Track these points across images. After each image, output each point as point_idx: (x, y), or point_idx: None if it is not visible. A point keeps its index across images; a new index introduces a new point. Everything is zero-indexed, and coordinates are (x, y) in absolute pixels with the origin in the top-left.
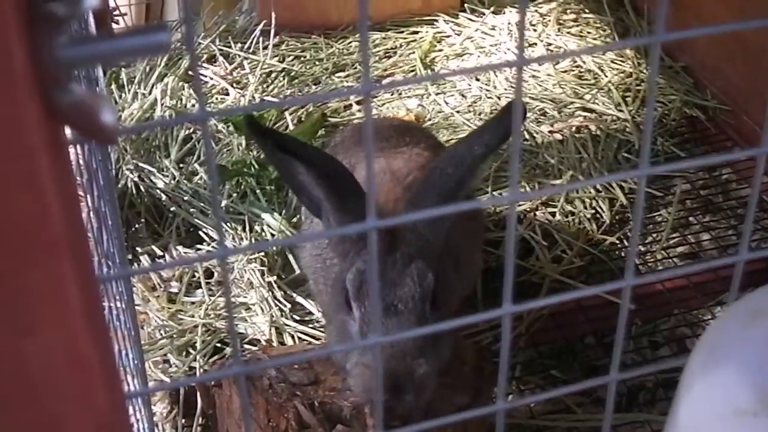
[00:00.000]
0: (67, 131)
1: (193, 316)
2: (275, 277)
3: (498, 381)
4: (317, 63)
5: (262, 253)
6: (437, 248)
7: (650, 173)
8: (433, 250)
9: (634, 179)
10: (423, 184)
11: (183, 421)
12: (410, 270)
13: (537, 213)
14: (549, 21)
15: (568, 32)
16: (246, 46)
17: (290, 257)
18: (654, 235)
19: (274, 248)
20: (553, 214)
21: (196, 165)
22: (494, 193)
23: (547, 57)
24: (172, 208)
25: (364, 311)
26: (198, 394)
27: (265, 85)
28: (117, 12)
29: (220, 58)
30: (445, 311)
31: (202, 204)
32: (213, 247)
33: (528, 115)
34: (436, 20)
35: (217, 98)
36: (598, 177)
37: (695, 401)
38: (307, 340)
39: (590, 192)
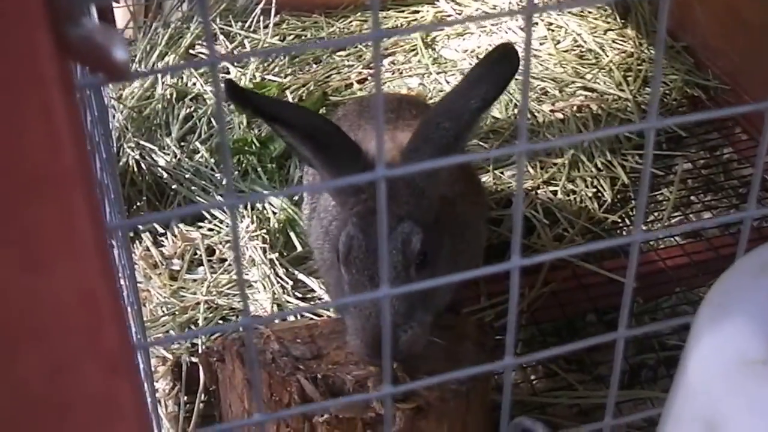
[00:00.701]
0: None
1: (195, 294)
2: (277, 255)
3: (507, 337)
4: (318, 42)
5: (264, 231)
6: (433, 204)
7: (659, 125)
8: (429, 206)
9: (636, 159)
10: (418, 138)
11: (185, 398)
12: (395, 234)
13: (538, 192)
14: (550, 1)
15: (569, 12)
16: (246, 25)
17: (292, 235)
18: (656, 213)
19: (276, 226)
20: (554, 193)
21: (197, 143)
22: (497, 172)
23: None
24: (173, 186)
25: (352, 277)
26: (200, 369)
27: (265, 64)
28: None
29: (221, 37)
30: (439, 268)
31: (203, 182)
32: (215, 224)
33: (529, 94)
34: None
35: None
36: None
37: (704, 352)
38: (308, 317)
39: (592, 171)
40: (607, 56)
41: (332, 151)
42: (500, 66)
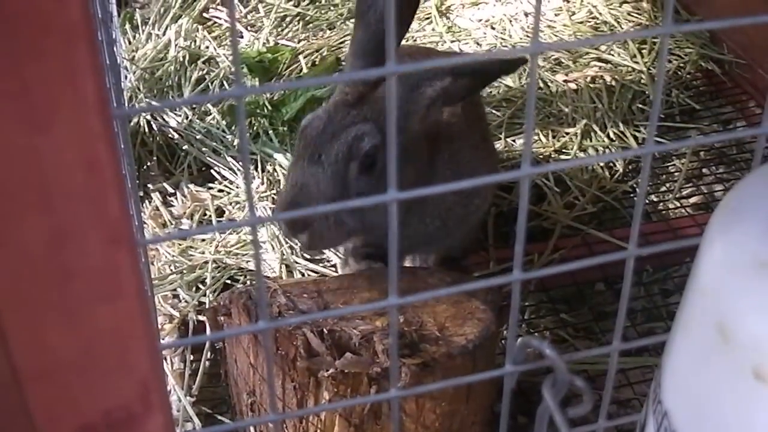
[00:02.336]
0: None
1: (203, 253)
2: None
3: (515, 249)
4: (332, 8)
5: (274, 192)
6: (413, 124)
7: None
8: (404, 121)
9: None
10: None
11: (191, 356)
12: (352, 129)
13: (550, 160)
14: None
15: None
16: None
17: None
18: (668, 185)
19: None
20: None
21: (209, 105)
22: (508, 139)
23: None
24: (184, 147)
25: (297, 153)
26: (207, 325)
27: (279, 29)
28: None
29: (235, 1)
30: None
31: (214, 143)
32: (225, 185)
33: (543, 64)
34: None
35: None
36: (612, 125)
37: (716, 255)
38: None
39: (604, 141)
40: (622, 28)
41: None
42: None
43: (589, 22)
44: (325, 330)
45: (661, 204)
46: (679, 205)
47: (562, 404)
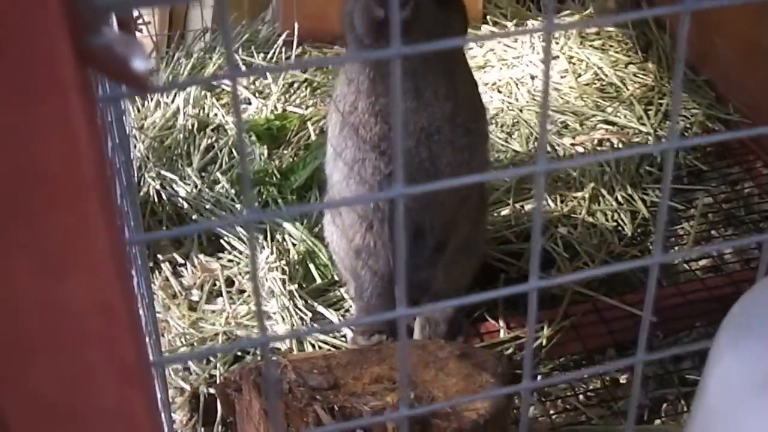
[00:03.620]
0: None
1: (213, 324)
2: (296, 287)
3: (524, 359)
4: (338, 59)
5: (284, 262)
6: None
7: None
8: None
9: (656, 193)
10: None
11: (203, 429)
12: None
13: (558, 225)
14: (571, 34)
15: (590, 45)
16: (269, 56)
17: (311, 267)
18: (676, 247)
19: (296, 257)
20: (575, 227)
21: (218, 173)
22: (516, 205)
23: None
24: (193, 216)
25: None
26: (218, 400)
27: (287, 95)
28: (140, 20)
29: (243, 68)
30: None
31: (223, 212)
32: (235, 255)
33: (550, 127)
34: None
35: (240, 107)
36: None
37: (725, 372)
38: (328, 349)
39: (612, 204)
40: (628, 89)
41: None
42: None
43: (595, 83)
44: (336, 407)
45: (670, 267)
46: (688, 268)
47: None
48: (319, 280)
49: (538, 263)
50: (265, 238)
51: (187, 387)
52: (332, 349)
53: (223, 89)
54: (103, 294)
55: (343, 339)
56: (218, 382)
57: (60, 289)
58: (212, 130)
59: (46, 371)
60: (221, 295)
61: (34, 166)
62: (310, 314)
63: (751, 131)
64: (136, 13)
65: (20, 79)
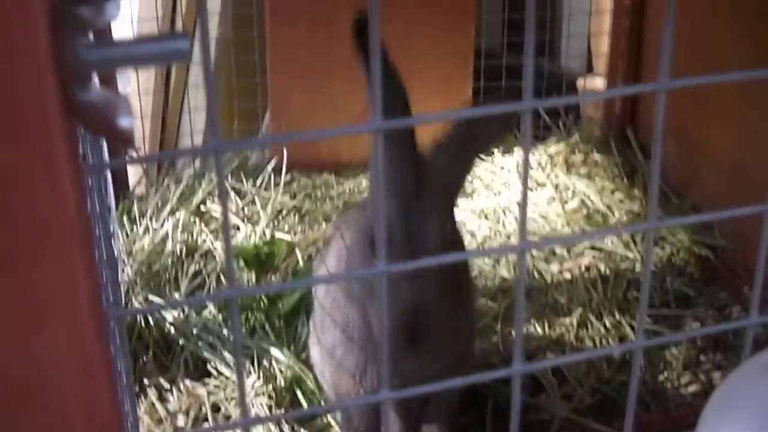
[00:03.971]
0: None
1: None
2: (283, 412)
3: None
4: (328, 200)
5: (270, 387)
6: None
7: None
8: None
9: (646, 319)
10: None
11: None
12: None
13: (546, 351)
14: (557, 162)
15: (576, 173)
16: (258, 182)
17: (299, 393)
18: (665, 373)
19: (282, 383)
20: (563, 352)
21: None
22: (504, 331)
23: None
24: (180, 341)
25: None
26: None
27: (276, 222)
28: (132, 148)
29: (232, 194)
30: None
31: (210, 338)
32: (222, 380)
33: (537, 254)
34: None
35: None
36: (607, 314)
37: None
38: None
39: (600, 330)
40: (615, 216)
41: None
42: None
43: (582, 210)
44: None
45: (660, 393)
46: (677, 393)
47: None
48: (306, 406)
49: (521, 348)
50: (252, 364)
51: None
52: None
53: (212, 215)
54: (85, 349)
55: None
56: None
57: (41, 342)
58: (200, 256)
59: (26, 424)
60: (207, 420)
61: (20, 211)
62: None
63: None
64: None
65: (8, 124)
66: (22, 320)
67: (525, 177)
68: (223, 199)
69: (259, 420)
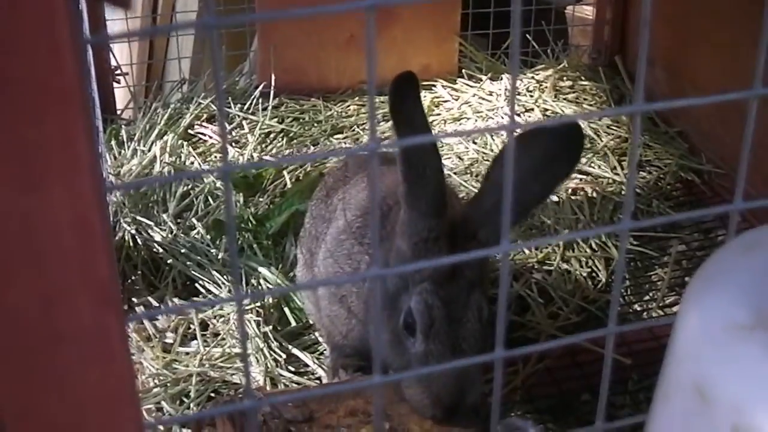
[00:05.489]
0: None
1: (187, 366)
2: (271, 328)
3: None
4: (316, 125)
5: (258, 304)
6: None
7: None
8: (489, 272)
9: (630, 240)
10: (491, 199)
11: None
12: (471, 302)
13: (533, 271)
14: (546, 87)
15: (564, 98)
16: (245, 107)
17: (286, 310)
18: (651, 293)
19: (271, 301)
20: (549, 273)
21: (193, 220)
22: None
23: (538, 123)
24: (168, 261)
25: (429, 347)
26: None
27: (263, 145)
28: (119, 71)
29: (219, 119)
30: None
31: (198, 257)
32: (209, 299)
33: None
34: (434, 85)
35: (215, 156)
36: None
37: (693, 321)
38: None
39: (586, 251)
40: (602, 141)
41: (424, 197)
42: (573, 145)
43: None
44: None
45: (645, 313)
46: (662, 313)
47: None
48: (293, 324)
49: (504, 333)
50: (241, 283)
51: (161, 427)
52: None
53: (200, 138)
54: (82, 211)
55: (317, 381)
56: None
57: (40, 203)
58: (188, 178)
59: (25, 288)
60: (195, 338)
61: (19, 74)
62: (284, 356)
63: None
64: (114, 64)
65: None
66: (21, 180)
67: (514, 62)
68: (218, 80)
69: None
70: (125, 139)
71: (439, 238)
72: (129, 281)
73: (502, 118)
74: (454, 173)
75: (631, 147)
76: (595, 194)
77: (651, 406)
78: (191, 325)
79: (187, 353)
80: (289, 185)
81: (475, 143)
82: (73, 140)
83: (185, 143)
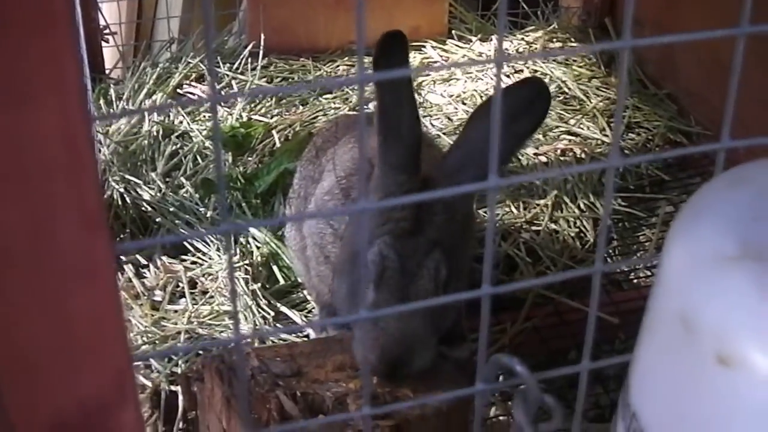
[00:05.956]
0: None
1: (176, 323)
2: (259, 286)
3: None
4: (305, 84)
5: (247, 262)
6: (459, 228)
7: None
8: (456, 230)
9: (618, 201)
10: (461, 158)
11: (164, 429)
12: (428, 262)
13: (521, 231)
14: (536, 48)
15: (554, 60)
16: (234, 66)
17: (275, 269)
18: (639, 254)
19: (259, 259)
20: (537, 233)
21: (182, 178)
22: (480, 211)
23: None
24: (157, 219)
25: (378, 296)
26: (179, 395)
27: (252, 105)
28: (107, 31)
29: (209, 78)
30: (456, 287)
31: (187, 216)
32: (198, 257)
33: None
34: (424, 46)
35: (204, 116)
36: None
37: (679, 251)
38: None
39: (574, 212)
40: (591, 102)
41: (396, 153)
42: (537, 103)
43: (559, 97)
44: (298, 393)
45: (633, 273)
46: (650, 274)
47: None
48: (282, 282)
49: (491, 269)
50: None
51: (149, 383)
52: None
53: (189, 98)
54: (70, 129)
55: (305, 339)
56: (180, 373)
57: (27, 118)
58: (177, 137)
59: (12, 205)
60: (184, 296)
61: None
62: (272, 314)
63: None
64: (102, 23)
65: None
66: (9, 95)
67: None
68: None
69: None
70: (114, 98)
71: (408, 194)
72: (118, 239)
73: (492, 78)
74: (444, 134)
75: (619, 85)
76: (583, 155)
77: (637, 340)
78: (180, 283)
79: (176, 311)
80: (278, 144)
81: (464, 104)
82: (59, 55)
83: (174, 102)
